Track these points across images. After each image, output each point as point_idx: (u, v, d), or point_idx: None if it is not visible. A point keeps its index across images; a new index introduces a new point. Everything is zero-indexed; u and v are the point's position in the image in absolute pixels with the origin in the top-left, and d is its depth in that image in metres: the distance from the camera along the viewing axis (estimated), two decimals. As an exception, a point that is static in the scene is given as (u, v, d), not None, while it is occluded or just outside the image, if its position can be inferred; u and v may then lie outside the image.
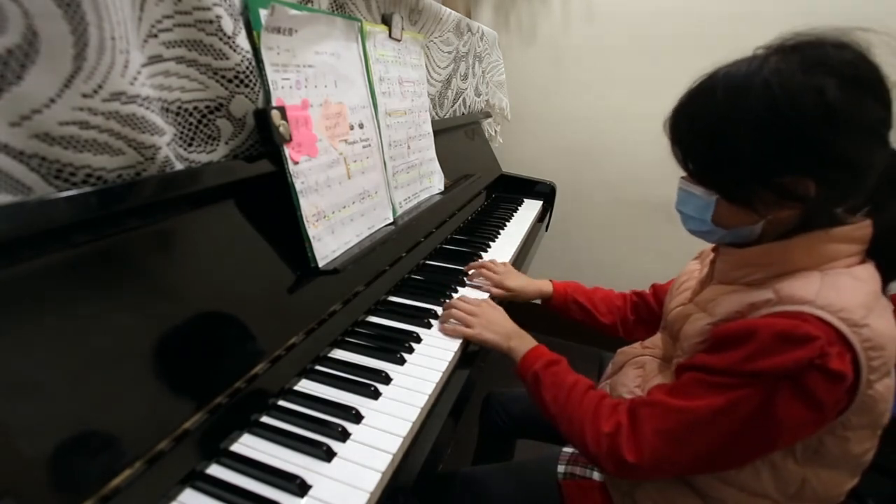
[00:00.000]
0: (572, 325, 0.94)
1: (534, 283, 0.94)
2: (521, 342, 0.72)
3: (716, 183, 0.54)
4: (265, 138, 0.61)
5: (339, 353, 0.68)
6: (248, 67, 0.56)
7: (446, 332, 0.76)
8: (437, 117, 1.24)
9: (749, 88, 0.48)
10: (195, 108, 0.54)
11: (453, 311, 0.78)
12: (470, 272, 0.96)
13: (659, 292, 0.88)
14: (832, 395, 0.46)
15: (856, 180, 0.49)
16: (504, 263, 0.98)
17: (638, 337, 0.79)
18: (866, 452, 0.54)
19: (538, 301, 0.96)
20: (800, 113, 0.46)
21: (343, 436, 0.53)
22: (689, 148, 0.55)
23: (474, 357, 0.75)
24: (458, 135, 1.39)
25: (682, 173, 0.58)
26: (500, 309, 0.80)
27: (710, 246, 0.67)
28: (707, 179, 0.54)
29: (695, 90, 0.53)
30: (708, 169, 0.54)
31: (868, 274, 0.52)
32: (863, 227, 0.52)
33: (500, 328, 0.75)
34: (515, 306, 0.91)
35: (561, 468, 0.73)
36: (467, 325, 0.75)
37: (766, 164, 0.48)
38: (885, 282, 0.53)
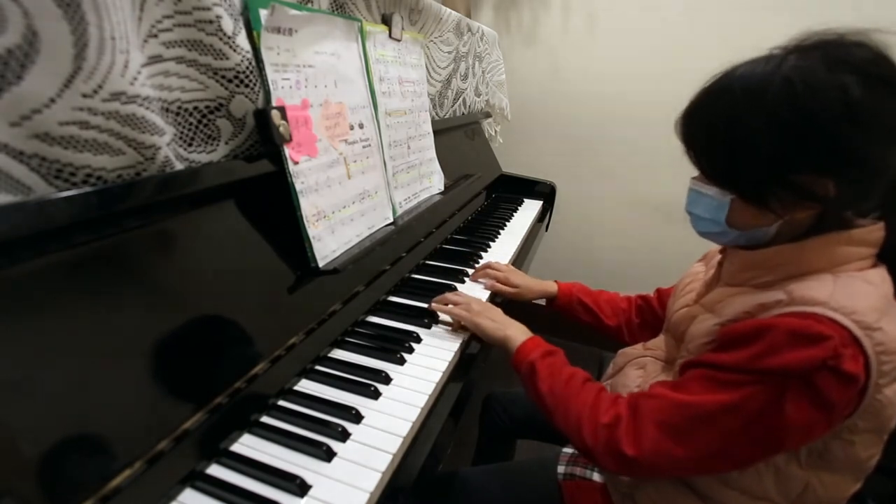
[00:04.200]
0: (572, 325, 0.94)
1: (539, 283, 0.94)
2: (517, 332, 0.71)
3: (732, 182, 0.52)
4: (265, 138, 0.60)
5: (339, 353, 0.69)
6: (248, 67, 0.56)
7: (440, 311, 0.78)
8: (437, 117, 1.24)
9: (769, 85, 0.46)
10: (195, 108, 0.54)
11: (448, 295, 0.80)
12: (475, 275, 0.96)
13: (663, 296, 0.87)
14: (843, 397, 0.45)
15: (875, 181, 0.48)
16: (506, 265, 0.98)
17: (641, 342, 0.78)
18: (871, 457, 0.53)
19: (542, 301, 0.95)
20: (822, 110, 0.45)
21: (343, 436, 0.53)
22: (705, 147, 0.53)
23: (475, 357, 0.75)
24: (458, 135, 1.39)
25: (685, 172, 0.57)
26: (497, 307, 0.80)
27: (715, 247, 0.66)
28: (723, 179, 0.53)
29: (710, 89, 0.52)
30: (724, 168, 0.52)
31: (880, 278, 0.51)
32: (876, 230, 0.51)
33: (495, 317, 0.75)
34: (516, 307, 0.91)
35: (561, 468, 0.73)
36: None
37: (785, 162, 0.47)
38: None
